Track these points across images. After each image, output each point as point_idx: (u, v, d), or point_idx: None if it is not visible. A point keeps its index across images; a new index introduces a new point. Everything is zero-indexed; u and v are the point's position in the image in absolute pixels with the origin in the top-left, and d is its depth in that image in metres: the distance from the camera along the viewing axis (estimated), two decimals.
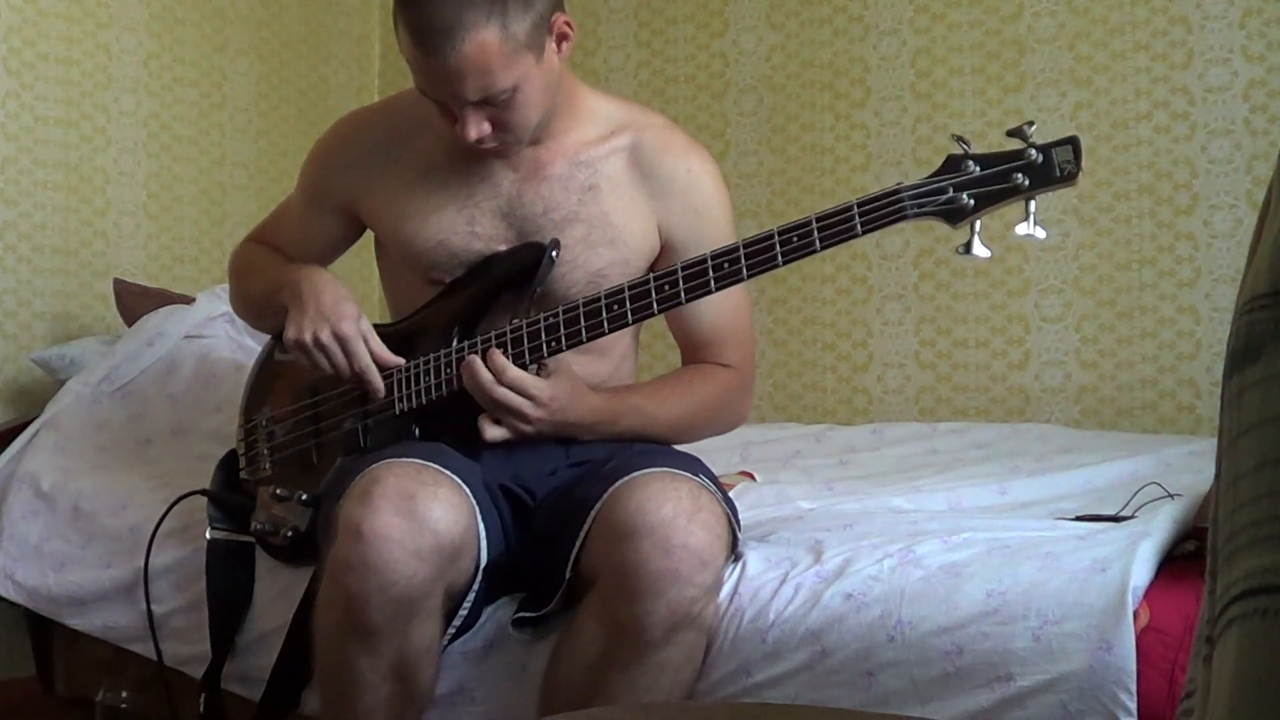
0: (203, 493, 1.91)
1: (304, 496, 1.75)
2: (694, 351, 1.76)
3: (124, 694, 2.13)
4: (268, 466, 1.85)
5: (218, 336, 2.59)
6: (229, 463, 1.94)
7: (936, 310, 3.02)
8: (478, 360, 1.58)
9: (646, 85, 3.44)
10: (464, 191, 1.70)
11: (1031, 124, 1.38)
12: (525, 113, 1.59)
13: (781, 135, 3.25)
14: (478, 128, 1.57)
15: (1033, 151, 1.37)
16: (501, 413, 1.58)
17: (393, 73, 3.80)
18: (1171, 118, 2.77)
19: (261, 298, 1.85)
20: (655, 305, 1.53)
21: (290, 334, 1.70)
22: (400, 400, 1.68)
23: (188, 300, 2.71)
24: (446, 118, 1.60)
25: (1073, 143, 1.37)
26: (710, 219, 1.72)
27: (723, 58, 3.36)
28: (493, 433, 1.59)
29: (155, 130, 3.18)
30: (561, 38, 1.59)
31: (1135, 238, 2.80)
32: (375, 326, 1.82)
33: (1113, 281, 2.82)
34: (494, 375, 1.57)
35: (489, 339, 1.61)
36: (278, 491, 1.80)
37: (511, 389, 1.56)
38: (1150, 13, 2.81)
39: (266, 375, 1.91)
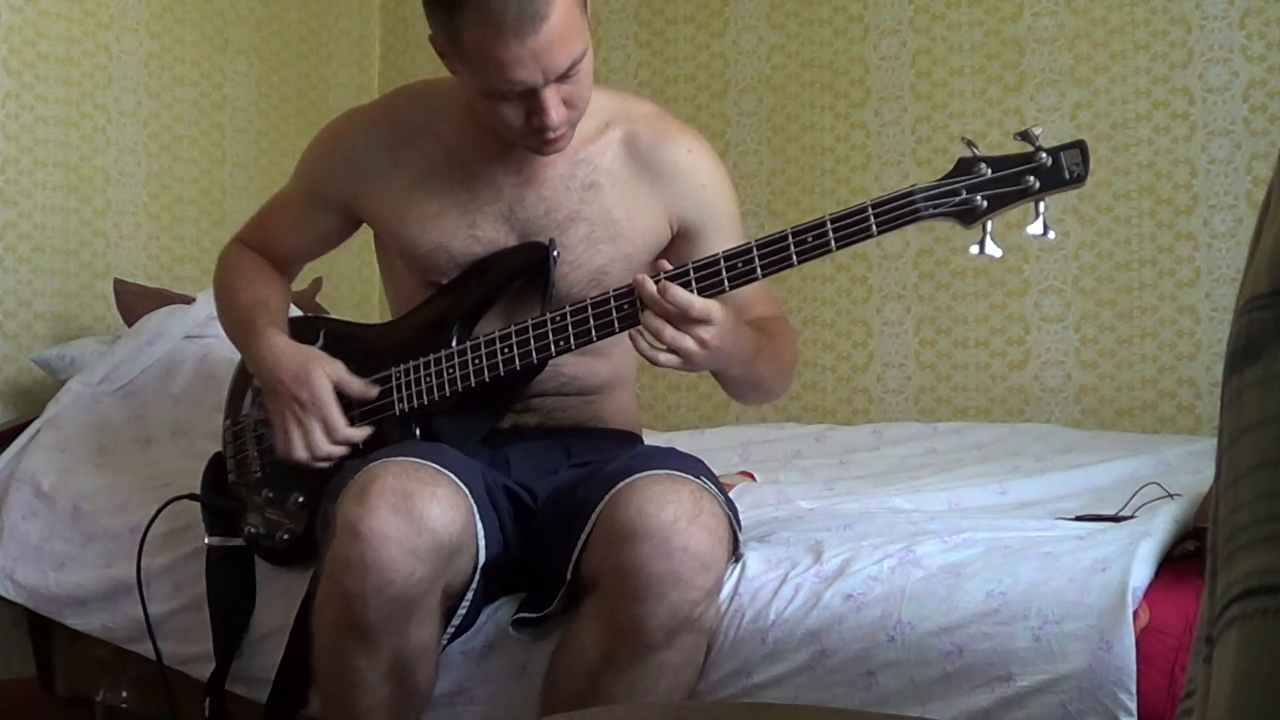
0: (190, 497, 1.89)
1: (300, 499, 1.74)
2: None
3: (124, 694, 2.13)
4: (258, 469, 1.82)
5: (218, 336, 2.57)
6: (216, 466, 1.90)
7: (936, 310, 3.02)
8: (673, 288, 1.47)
9: (646, 85, 3.44)
10: (465, 195, 1.69)
11: (1038, 128, 1.41)
12: (589, 82, 1.57)
13: (781, 135, 3.25)
14: (558, 109, 1.53)
15: (1043, 154, 1.39)
16: (680, 338, 1.47)
17: (393, 73, 3.80)
18: (1171, 118, 2.77)
19: (233, 337, 1.83)
20: None
21: (281, 447, 1.70)
22: (400, 401, 1.68)
23: (188, 300, 2.71)
24: (518, 114, 1.55)
25: (1080, 146, 1.39)
26: (718, 195, 1.73)
27: (723, 58, 3.36)
28: (666, 358, 1.48)
29: (155, 130, 3.18)
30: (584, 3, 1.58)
31: (1135, 238, 2.80)
32: (373, 326, 1.80)
33: (1113, 281, 2.82)
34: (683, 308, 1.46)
35: (492, 339, 1.61)
36: (270, 494, 1.78)
37: (698, 316, 1.46)
38: (1150, 13, 2.81)
39: (250, 375, 1.87)
